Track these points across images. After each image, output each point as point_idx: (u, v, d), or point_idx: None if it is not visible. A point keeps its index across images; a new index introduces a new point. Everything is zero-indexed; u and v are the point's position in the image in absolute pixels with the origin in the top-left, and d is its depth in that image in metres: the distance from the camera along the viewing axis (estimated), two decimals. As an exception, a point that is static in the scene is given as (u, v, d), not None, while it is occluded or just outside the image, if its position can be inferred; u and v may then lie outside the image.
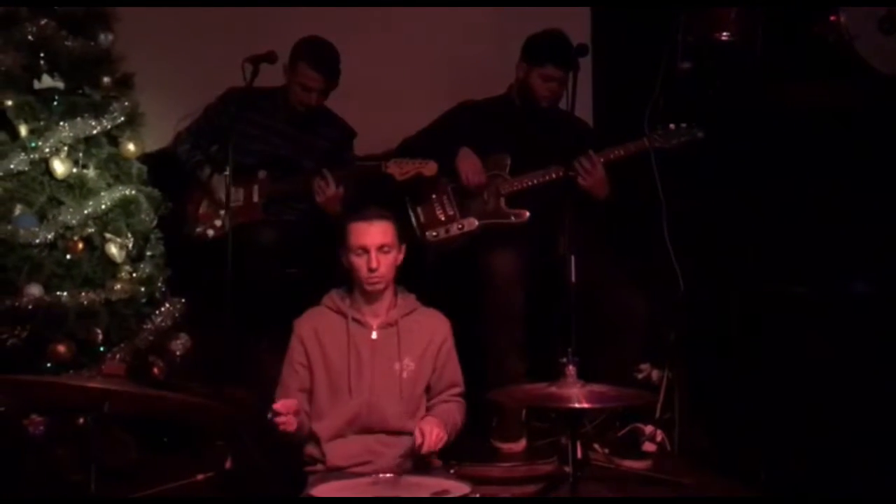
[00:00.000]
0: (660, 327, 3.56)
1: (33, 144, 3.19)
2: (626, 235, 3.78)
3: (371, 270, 2.72)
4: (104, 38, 3.33)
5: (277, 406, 2.57)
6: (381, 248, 2.73)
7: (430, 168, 3.47)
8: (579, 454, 2.48)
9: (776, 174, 3.56)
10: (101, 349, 3.17)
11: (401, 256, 2.80)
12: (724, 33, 3.60)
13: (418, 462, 2.70)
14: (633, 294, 3.41)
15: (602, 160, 3.45)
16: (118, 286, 3.23)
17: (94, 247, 3.25)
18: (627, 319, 3.40)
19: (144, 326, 3.26)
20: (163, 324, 3.30)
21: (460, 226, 3.54)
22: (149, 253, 3.38)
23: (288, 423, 2.57)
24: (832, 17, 3.51)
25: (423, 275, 3.27)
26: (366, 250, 2.73)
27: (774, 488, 3.05)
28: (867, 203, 3.40)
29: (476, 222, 3.54)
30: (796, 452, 3.11)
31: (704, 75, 3.70)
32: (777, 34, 3.61)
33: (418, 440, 2.60)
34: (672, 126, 3.50)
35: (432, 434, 2.60)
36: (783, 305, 3.36)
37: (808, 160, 3.49)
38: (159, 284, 3.37)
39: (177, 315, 3.35)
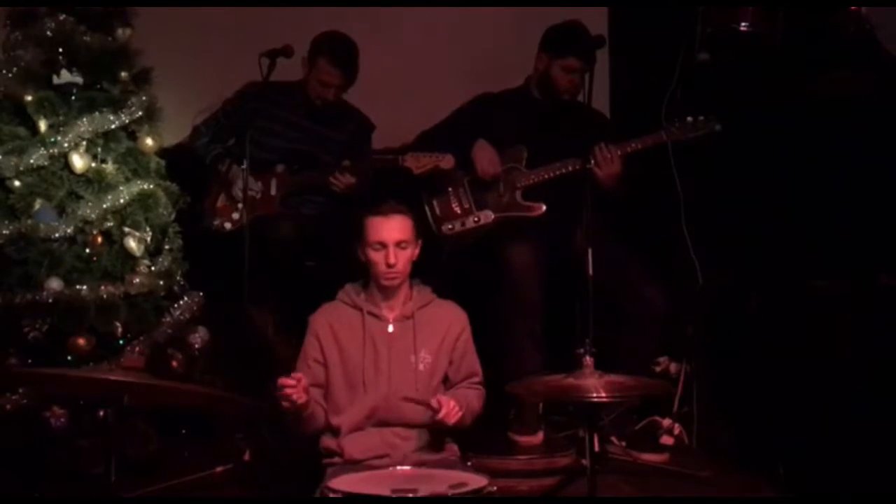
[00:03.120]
0: (678, 320, 3.54)
1: (52, 139, 3.21)
2: (645, 228, 3.76)
3: (389, 266, 2.72)
4: (122, 34, 3.35)
5: (282, 380, 2.57)
6: (398, 244, 2.73)
7: (447, 161, 3.47)
8: (597, 447, 2.47)
9: (796, 165, 3.53)
10: (121, 342, 3.19)
11: (417, 251, 2.80)
12: (743, 24, 3.57)
13: (435, 453, 2.71)
14: (651, 287, 3.40)
15: (619, 152, 3.44)
16: (137, 280, 3.25)
17: (113, 241, 3.27)
18: (645, 312, 3.38)
19: (163, 320, 3.28)
20: (181, 317, 3.32)
21: (476, 219, 3.54)
22: (167, 247, 3.40)
23: (295, 393, 2.56)
24: (852, 7, 3.46)
25: (439, 268, 3.27)
26: (384, 245, 2.73)
27: (793, 482, 3.03)
28: (890, 194, 3.36)
29: (492, 215, 3.53)
30: (815, 446, 3.09)
31: (723, 66, 3.67)
32: (797, 24, 3.57)
33: (435, 406, 2.60)
34: (689, 119, 3.48)
35: (449, 404, 2.61)
36: (803, 299, 3.33)
37: (829, 151, 3.46)
38: (178, 278, 3.39)
39: (195, 308, 3.37)
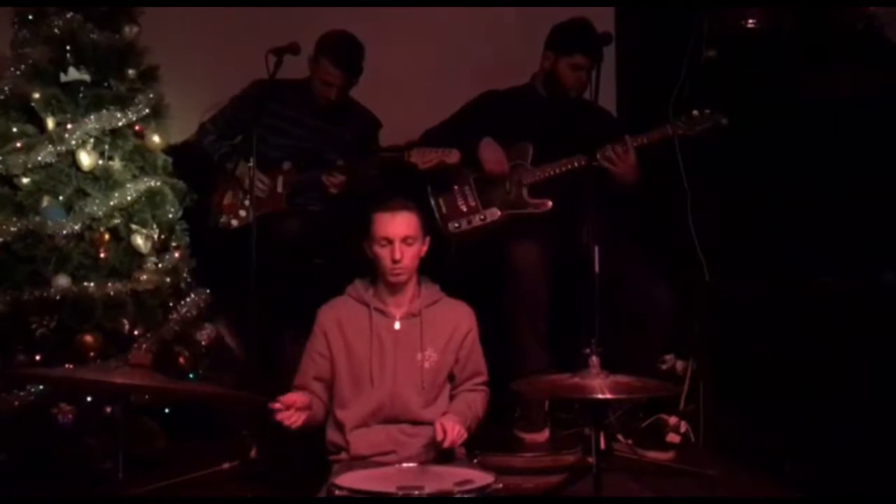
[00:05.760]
0: (684, 318, 3.54)
1: (60, 137, 3.22)
2: (651, 225, 3.75)
3: (395, 262, 2.73)
4: (129, 31, 3.36)
5: (281, 399, 2.59)
6: (405, 240, 2.74)
7: (452, 156, 3.46)
8: (603, 445, 2.47)
9: (803, 162, 3.52)
10: (128, 339, 3.20)
11: (424, 248, 2.81)
12: (751, 20, 3.56)
13: (441, 452, 2.71)
14: (657, 285, 3.39)
15: (632, 144, 3.42)
16: (144, 277, 3.26)
17: (120, 238, 3.28)
18: (652, 310, 3.38)
19: (170, 317, 3.30)
20: (188, 314, 3.33)
21: (482, 217, 3.53)
22: (174, 244, 3.41)
23: (288, 418, 2.59)
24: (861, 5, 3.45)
25: (445, 266, 3.27)
26: (390, 241, 2.73)
27: (800, 480, 3.03)
28: (896, 192, 3.35)
29: (498, 213, 3.53)
30: (822, 444, 3.08)
31: (730, 63, 3.65)
32: (804, 21, 3.56)
33: (439, 436, 2.61)
34: (695, 113, 3.47)
35: (453, 430, 2.61)
36: (809, 296, 3.32)
37: (836, 148, 3.45)
38: (184, 275, 3.40)
39: (202, 305, 3.38)
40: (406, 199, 2.81)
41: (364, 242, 2.79)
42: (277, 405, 2.58)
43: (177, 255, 3.38)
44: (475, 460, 2.78)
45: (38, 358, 3.09)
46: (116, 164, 3.31)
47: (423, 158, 3.46)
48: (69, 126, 3.24)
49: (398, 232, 2.73)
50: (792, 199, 3.53)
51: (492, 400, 2.86)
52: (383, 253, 2.74)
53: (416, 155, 3.48)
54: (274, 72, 3.27)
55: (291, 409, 2.60)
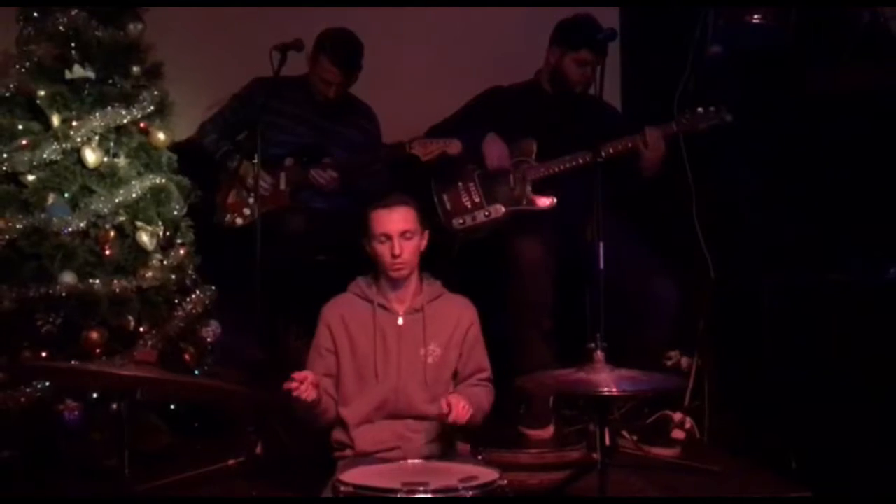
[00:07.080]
0: (690, 314, 3.53)
1: (65, 134, 3.23)
2: (656, 222, 3.75)
3: (395, 257, 2.73)
4: (134, 28, 3.36)
5: (295, 374, 2.60)
6: (403, 235, 2.74)
7: (454, 146, 3.45)
8: (608, 441, 2.47)
9: (809, 159, 3.51)
10: (133, 336, 3.21)
11: (424, 242, 2.81)
12: (756, 16, 3.55)
13: (445, 446, 2.72)
14: (662, 281, 3.39)
15: (661, 134, 3.41)
16: (149, 274, 3.27)
17: (126, 235, 3.29)
18: (657, 306, 3.37)
19: (175, 314, 3.30)
20: (193, 311, 3.34)
21: (486, 213, 3.53)
22: (179, 241, 3.41)
23: (303, 391, 2.58)
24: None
25: (449, 262, 3.27)
26: (388, 237, 2.74)
27: (804, 476, 3.02)
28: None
29: (502, 209, 3.53)
30: (826, 440, 3.08)
31: (735, 59, 3.65)
32: (810, 16, 3.55)
33: (444, 410, 2.60)
34: (700, 109, 3.46)
35: (458, 405, 2.60)
36: (814, 293, 3.31)
37: (842, 144, 3.44)
38: (189, 272, 3.40)
39: (207, 302, 3.38)
40: (402, 194, 2.81)
41: (363, 240, 2.79)
42: (294, 384, 2.58)
43: (182, 251, 3.39)
44: (479, 457, 2.78)
45: (43, 355, 3.10)
46: (121, 161, 3.32)
47: (424, 150, 3.46)
48: (74, 123, 3.24)
49: (396, 227, 2.74)
50: (796, 195, 3.52)
51: (496, 396, 2.86)
52: (383, 249, 2.75)
53: (417, 146, 3.47)
54: (278, 69, 3.27)
55: (305, 383, 2.60)
